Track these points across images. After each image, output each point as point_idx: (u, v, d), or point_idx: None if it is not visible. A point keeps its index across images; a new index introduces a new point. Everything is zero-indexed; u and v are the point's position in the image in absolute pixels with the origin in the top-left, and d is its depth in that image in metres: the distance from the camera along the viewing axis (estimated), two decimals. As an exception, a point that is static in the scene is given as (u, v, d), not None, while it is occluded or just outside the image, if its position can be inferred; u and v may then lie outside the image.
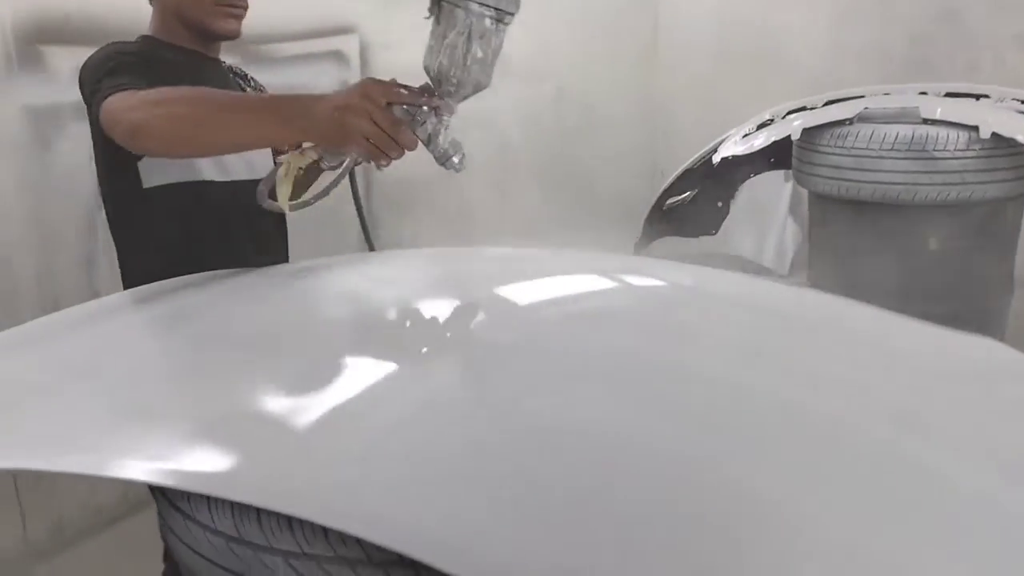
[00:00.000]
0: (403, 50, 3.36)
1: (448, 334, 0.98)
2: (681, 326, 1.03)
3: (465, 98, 1.16)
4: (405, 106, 1.11)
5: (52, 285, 2.32)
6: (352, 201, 1.56)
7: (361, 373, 0.87)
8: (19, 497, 2.36)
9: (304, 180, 1.32)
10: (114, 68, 1.36)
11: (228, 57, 2.76)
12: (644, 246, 2.95)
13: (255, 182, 1.39)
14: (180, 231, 1.44)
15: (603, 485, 0.66)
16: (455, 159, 1.16)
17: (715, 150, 2.64)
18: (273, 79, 2.89)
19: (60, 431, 0.75)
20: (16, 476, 2.35)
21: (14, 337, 1.02)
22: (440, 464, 0.67)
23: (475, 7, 1.08)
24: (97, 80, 1.33)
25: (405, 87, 1.14)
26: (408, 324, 1.03)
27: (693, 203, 3.02)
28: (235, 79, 1.69)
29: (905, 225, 2.28)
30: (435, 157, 1.17)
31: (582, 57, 4.62)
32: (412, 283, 1.25)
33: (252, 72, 2.75)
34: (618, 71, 4.93)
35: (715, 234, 3.11)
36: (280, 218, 1.65)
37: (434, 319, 1.04)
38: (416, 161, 3.41)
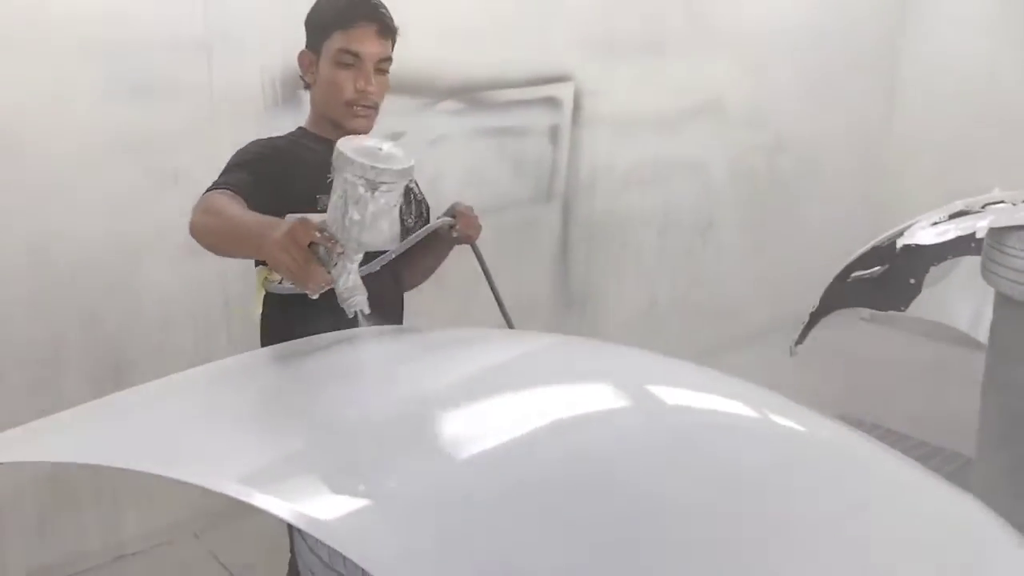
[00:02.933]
0: (613, 97, 3.60)
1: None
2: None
3: (360, 251, 1.29)
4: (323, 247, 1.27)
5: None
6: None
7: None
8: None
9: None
10: (231, 165, 1.64)
11: (455, 103, 3.12)
12: (821, 316, 2.97)
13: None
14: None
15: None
16: (350, 300, 1.28)
17: (902, 234, 2.63)
18: (492, 122, 3.23)
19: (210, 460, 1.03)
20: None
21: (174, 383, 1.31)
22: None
23: (348, 176, 1.21)
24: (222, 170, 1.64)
25: (327, 232, 1.28)
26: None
27: (882, 277, 3.00)
28: None
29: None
30: (337, 296, 1.30)
31: (808, 107, 4.59)
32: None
33: (476, 116, 3.08)
34: (847, 123, 4.84)
35: (904, 311, 3.06)
36: (396, 283, 1.91)
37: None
38: (615, 199, 3.62)
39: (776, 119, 4.42)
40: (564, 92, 3.46)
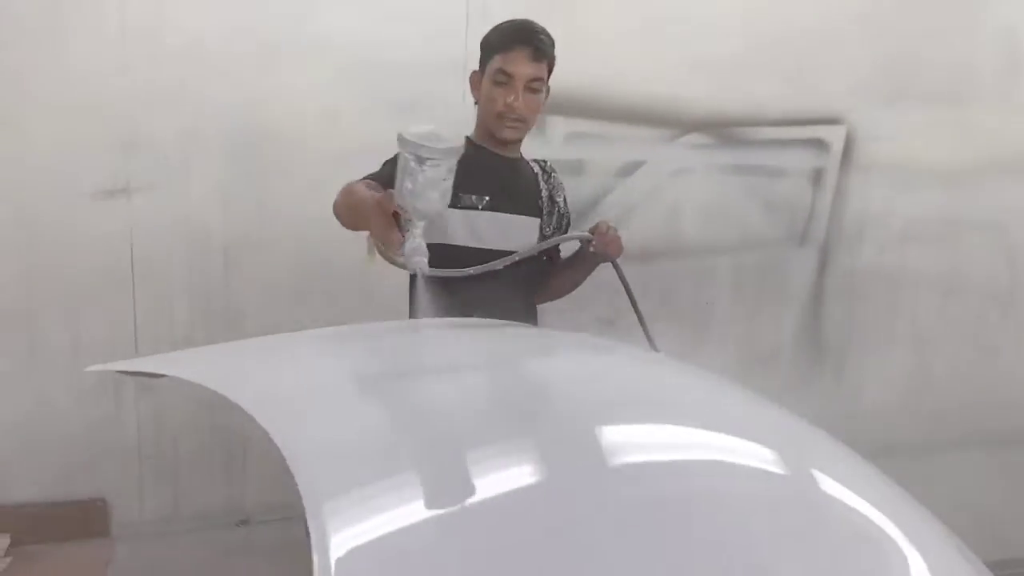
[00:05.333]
0: (895, 145, 3.34)
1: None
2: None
3: (420, 218, 1.48)
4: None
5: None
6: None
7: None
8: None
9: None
10: (387, 160, 1.87)
11: (702, 137, 3.10)
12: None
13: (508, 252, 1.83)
14: (439, 284, 1.77)
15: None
16: (411, 260, 1.48)
17: None
18: (743, 159, 3.17)
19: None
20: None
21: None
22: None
23: (403, 153, 1.43)
24: None
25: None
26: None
27: None
28: (537, 172, 2.08)
29: None
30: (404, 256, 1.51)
31: None
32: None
33: (725, 152, 3.03)
34: None
35: None
36: (525, 294, 2.00)
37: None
38: (887, 254, 3.29)
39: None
40: (833, 135, 3.27)
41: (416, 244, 1.50)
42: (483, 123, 1.99)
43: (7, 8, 2.40)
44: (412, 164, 1.42)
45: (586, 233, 1.92)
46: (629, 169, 3.04)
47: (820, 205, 3.33)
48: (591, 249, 1.91)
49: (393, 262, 1.77)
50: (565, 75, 2.89)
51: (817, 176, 3.30)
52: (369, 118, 2.74)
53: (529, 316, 2.06)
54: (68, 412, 2.61)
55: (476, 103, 2.02)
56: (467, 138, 2.01)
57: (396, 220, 1.52)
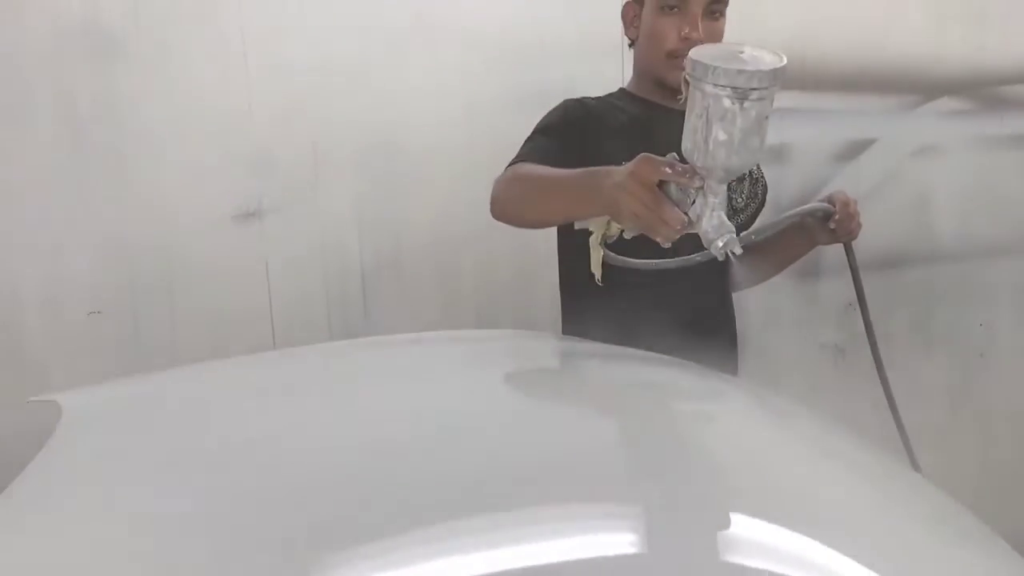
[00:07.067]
0: None
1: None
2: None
3: (726, 180, 1.09)
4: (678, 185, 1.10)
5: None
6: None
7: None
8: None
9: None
10: (535, 131, 1.52)
11: (955, 102, 2.40)
12: None
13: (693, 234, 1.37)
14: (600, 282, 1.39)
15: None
16: (718, 242, 1.09)
17: None
18: (1018, 127, 2.41)
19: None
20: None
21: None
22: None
23: (709, 88, 1.02)
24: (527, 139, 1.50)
25: (678, 166, 1.09)
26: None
27: None
28: None
29: None
30: (703, 239, 1.12)
31: None
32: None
33: (990, 119, 2.48)
34: None
35: None
36: (724, 290, 1.59)
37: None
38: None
39: None
40: None
41: (720, 219, 1.12)
42: (646, 67, 1.59)
43: (133, 39, 2.37)
44: (727, 103, 1.03)
45: (827, 205, 1.51)
46: (852, 151, 2.44)
47: None
48: (831, 226, 1.50)
49: (622, 261, 1.34)
50: (755, 33, 2.34)
51: None
52: (507, 114, 2.37)
53: (725, 315, 1.66)
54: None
55: (631, 44, 1.63)
56: (621, 89, 1.66)
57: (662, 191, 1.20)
